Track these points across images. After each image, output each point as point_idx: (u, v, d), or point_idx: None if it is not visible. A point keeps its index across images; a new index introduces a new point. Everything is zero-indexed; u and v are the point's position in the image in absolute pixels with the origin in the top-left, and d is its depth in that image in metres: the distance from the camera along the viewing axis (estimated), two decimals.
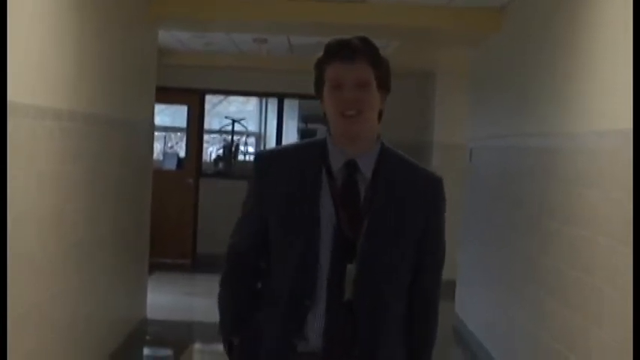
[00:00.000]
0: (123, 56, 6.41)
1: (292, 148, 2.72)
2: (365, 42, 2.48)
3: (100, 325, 6.04)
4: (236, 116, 13.24)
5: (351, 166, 2.50)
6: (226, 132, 13.04)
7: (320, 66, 2.51)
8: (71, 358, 5.28)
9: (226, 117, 13.21)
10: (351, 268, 2.44)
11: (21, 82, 4.10)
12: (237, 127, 13.05)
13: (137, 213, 7.36)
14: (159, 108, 9.71)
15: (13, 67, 3.88)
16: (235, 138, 13.05)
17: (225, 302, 2.66)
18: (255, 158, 2.65)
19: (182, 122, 12.27)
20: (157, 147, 11.42)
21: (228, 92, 12.89)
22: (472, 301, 7.90)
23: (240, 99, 13.96)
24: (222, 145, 13.15)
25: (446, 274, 2.73)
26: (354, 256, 2.45)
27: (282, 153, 2.68)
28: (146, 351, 7.52)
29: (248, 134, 13.60)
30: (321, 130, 14.05)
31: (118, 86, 6.25)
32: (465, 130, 8.86)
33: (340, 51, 2.45)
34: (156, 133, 8.86)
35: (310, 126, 14.00)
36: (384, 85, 2.51)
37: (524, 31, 6.45)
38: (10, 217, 3.89)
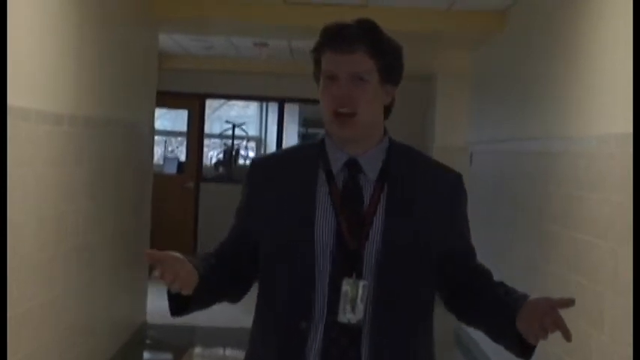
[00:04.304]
0: (123, 60, 6.41)
1: (289, 151, 2.40)
2: (366, 27, 2.16)
3: (99, 328, 6.03)
4: (236, 121, 13.25)
5: (353, 166, 2.18)
6: (227, 136, 13.05)
7: (316, 53, 2.21)
8: None
9: (227, 121, 13.22)
10: (359, 284, 2.10)
11: (21, 86, 4.09)
12: (238, 132, 13.05)
13: (137, 217, 7.35)
14: (159, 112, 9.71)
15: (13, 70, 3.88)
16: (236, 142, 13.05)
17: None
18: (249, 165, 2.37)
19: (182, 126, 12.29)
20: (158, 151, 11.42)
21: (228, 96, 12.91)
22: None
23: (241, 103, 13.96)
24: (222, 149, 13.15)
25: None
26: (358, 269, 2.11)
27: (277, 157, 2.39)
28: (146, 355, 7.52)
29: (248, 139, 13.60)
30: (321, 135, 14.05)
31: (118, 90, 6.25)
32: (465, 134, 8.86)
33: (336, 39, 2.14)
34: (156, 138, 8.86)
35: (311, 130, 14.00)
36: (389, 78, 2.18)
37: (525, 35, 6.45)
38: (11, 220, 3.89)
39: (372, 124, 2.19)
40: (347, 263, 2.11)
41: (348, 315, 2.09)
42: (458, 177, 2.26)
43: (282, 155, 2.40)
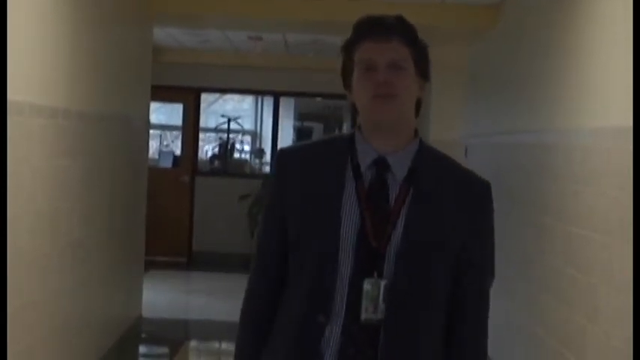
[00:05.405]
0: (118, 53, 6.40)
1: (316, 144, 2.36)
2: (401, 20, 2.19)
3: (95, 323, 6.03)
4: (232, 114, 13.23)
5: (381, 164, 2.15)
6: (222, 130, 13.03)
7: (348, 48, 2.17)
8: (66, 357, 5.28)
9: (222, 115, 13.20)
10: (380, 284, 2.09)
11: (16, 80, 4.08)
12: (233, 126, 13.04)
13: (133, 211, 7.35)
14: (154, 106, 9.69)
15: (8, 64, 3.87)
16: (231, 136, 13.04)
17: (242, 345, 2.29)
18: (276, 155, 2.31)
19: (178, 120, 12.27)
20: (153, 145, 11.41)
21: (223, 90, 12.89)
22: None
23: (236, 97, 13.95)
24: (217, 143, 13.15)
25: None
26: (379, 268, 2.10)
27: (306, 148, 2.33)
28: (141, 349, 7.52)
29: (244, 132, 13.59)
30: (317, 129, 14.06)
31: (113, 84, 6.24)
32: (460, 127, 8.86)
33: (372, 29, 2.15)
34: (151, 132, 8.85)
35: (306, 124, 14.00)
36: (422, 72, 2.18)
37: (519, 28, 6.45)
38: (8, 216, 3.88)
39: (406, 114, 2.17)
40: (368, 262, 2.10)
41: (370, 314, 2.09)
42: (486, 186, 2.24)
43: (311, 147, 2.35)
